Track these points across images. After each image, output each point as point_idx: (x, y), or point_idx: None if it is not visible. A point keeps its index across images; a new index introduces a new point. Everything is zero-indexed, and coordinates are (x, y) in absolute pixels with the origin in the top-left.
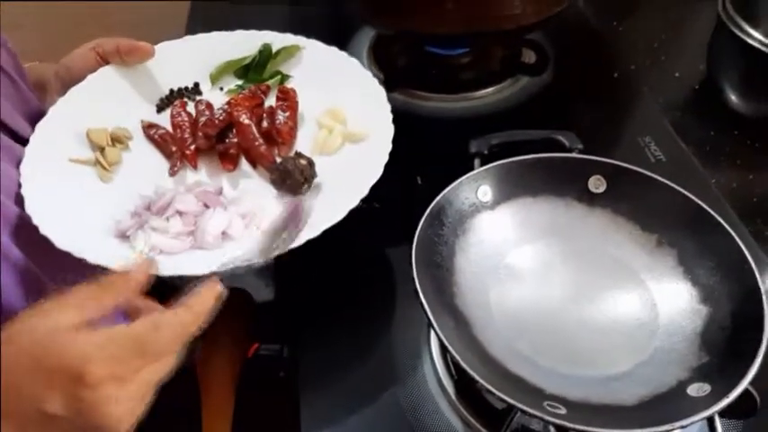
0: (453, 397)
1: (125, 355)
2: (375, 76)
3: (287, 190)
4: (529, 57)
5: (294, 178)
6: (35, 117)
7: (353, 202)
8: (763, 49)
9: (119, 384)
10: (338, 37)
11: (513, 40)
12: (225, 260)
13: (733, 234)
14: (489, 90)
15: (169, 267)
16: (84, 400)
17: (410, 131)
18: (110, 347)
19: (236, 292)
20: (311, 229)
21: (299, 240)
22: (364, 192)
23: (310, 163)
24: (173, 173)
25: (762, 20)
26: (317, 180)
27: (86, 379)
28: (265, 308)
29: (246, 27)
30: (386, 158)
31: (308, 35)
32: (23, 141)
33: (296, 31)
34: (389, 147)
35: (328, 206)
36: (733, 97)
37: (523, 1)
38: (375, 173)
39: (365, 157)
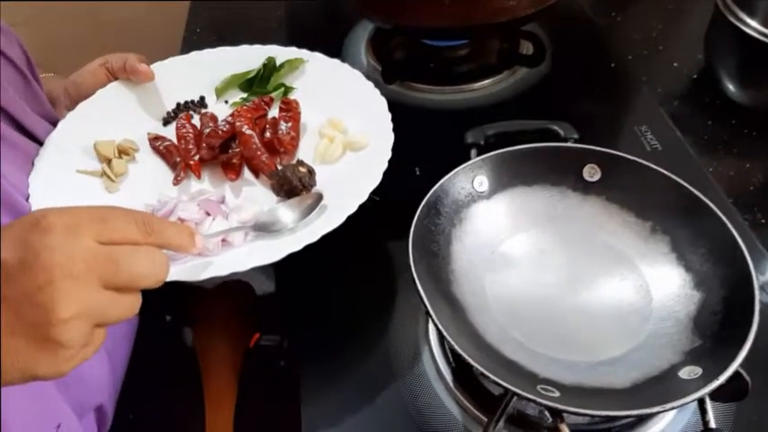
0: (451, 383)
1: (85, 218)
2: (374, 68)
3: (285, 196)
4: (526, 48)
5: (292, 185)
6: (48, 116)
7: (352, 208)
8: (760, 38)
9: (70, 236)
10: (337, 31)
11: (509, 32)
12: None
13: (725, 220)
14: (487, 82)
15: (170, 274)
16: (31, 245)
17: (409, 123)
18: (72, 211)
19: (238, 283)
20: (311, 235)
21: (298, 246)
22: (363, 198)
23: (310, 171)
24: (176, 182)
25: (758, 9)
26: (317, 188)
27: (41, 223)
28: (266, 299)
29: (245, 24)
30: (385, 166)
31: (307, 29)
32: (35, 138)
33: (294, 27)
34: (389, 154)
35: (327, 212)
36: (731, 86)
37: None
38: (374, 180)
39: (365, 165)
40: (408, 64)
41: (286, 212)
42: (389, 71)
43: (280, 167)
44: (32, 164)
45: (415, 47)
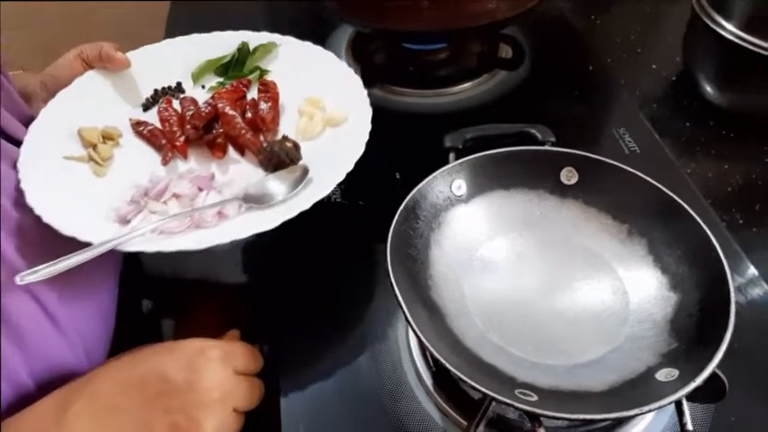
0: (431, 388)
1: (231, 352)
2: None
3: (273, 171)
4: (505, 51)
5: (280, 159)
6: (26, 120)
7: (339, 177)
8: (737, 41)
9: (223, 365)
10: (317, 34)
11: (489, 36)
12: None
13: (701, 223)
14: (467, 85)
15: (172, 245)
16: (197, 369)
17: (389, 127)
18: (223, 345)
19: (216, 293)
20: (303, 202)
21: (293, 212)
22: (349, 167)
23: (296, 145)
24: (165, 162)
25: (735, 12)
26: (303, 162)
27: (206, 353)
28: (245, 307)
29: (225, 25)
30: (366, 137)
31: (287, 32)
32: (19, 144)
33: (275, 28)
34: (369, 126)
35: (316, 183)
36: (709, 89)
37: None
38: (357, 150)
39: (346, 138)
40: (389, 67)
41: (275, 184)
42: (370, 74)
43: (265, 144)
44: (11, 163)
45: (395, 50)
